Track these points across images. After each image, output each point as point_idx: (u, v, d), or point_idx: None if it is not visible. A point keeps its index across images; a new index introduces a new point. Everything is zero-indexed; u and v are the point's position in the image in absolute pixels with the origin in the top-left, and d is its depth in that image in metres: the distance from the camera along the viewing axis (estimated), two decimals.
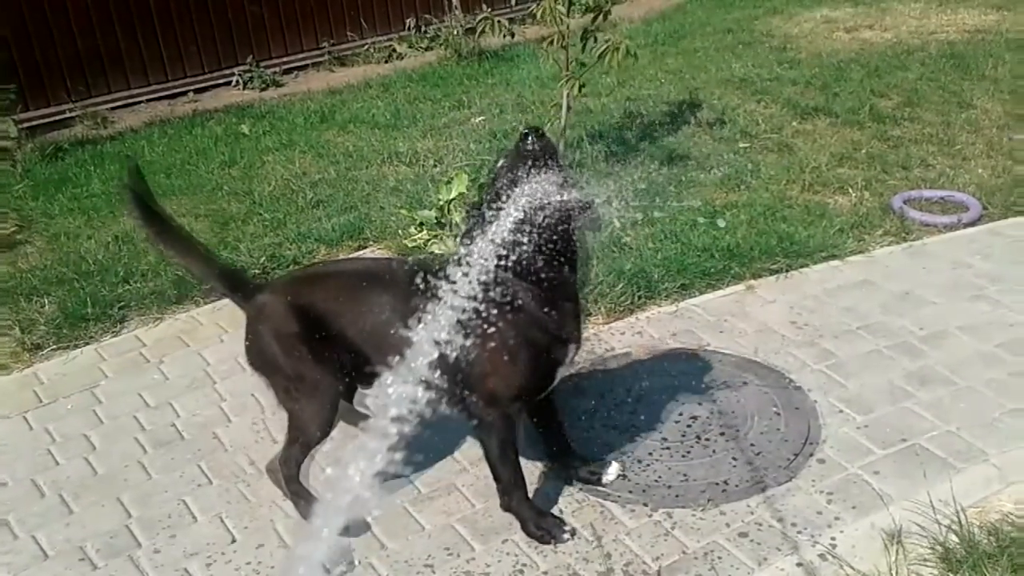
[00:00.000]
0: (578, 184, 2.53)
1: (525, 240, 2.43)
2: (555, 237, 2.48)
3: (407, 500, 2.89)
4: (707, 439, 3.07)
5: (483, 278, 2.39)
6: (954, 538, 2.56)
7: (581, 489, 2.88)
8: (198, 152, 5.94)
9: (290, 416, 2.77)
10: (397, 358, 2.42)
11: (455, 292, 2.39)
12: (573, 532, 2.71)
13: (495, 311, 2.45)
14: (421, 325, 2.41)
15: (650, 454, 3.02)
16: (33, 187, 5.51)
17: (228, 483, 3.03)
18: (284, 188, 5.26)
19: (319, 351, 2.67)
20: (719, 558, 2.58)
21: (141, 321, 4.01)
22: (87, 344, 3.88)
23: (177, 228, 2.88)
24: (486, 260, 2.40)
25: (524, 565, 2.61)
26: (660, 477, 2.91)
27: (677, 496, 2.83)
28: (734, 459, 2.97)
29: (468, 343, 2.44)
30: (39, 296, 4.16)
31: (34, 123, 6.47)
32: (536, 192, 2.43)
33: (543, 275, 2.52)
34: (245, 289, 2.80)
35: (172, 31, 7.24)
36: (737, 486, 2.85)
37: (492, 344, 2.50)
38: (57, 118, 6.69)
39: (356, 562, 2.66)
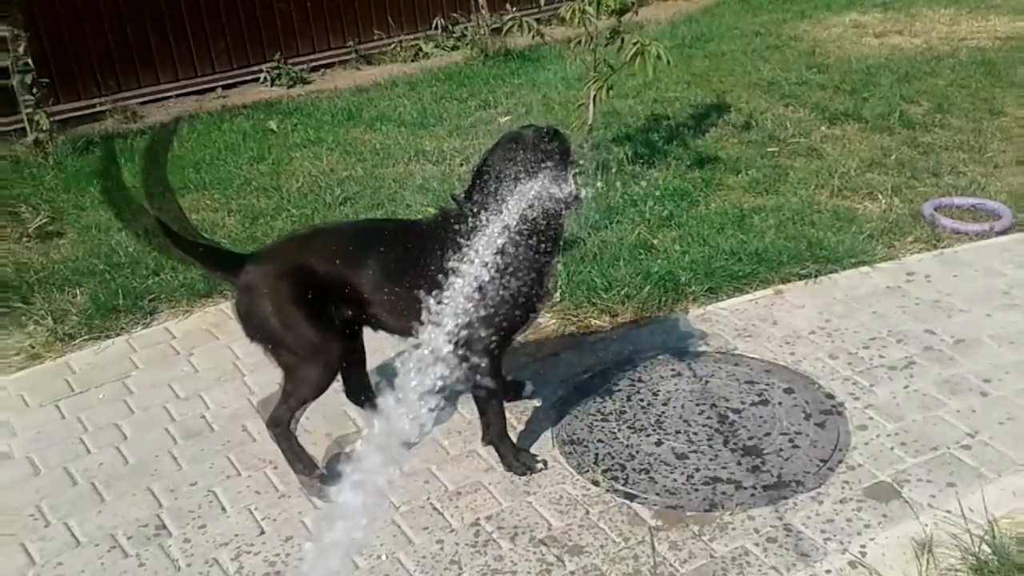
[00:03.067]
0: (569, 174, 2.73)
1: (515, 221, 2.66)
2: (543, 221, 2.71)
3: (434, 496, 2.90)
4: (735, 443, 3.06)
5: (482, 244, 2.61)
6: (986, 548, 2.54)
7: (608, 491, 2.88)
8: (227, 147, 5.98)
9: (287, 375, 2.88)
10: (393, 305, 2.80)
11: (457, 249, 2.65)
12: (545, 463, 3.00)
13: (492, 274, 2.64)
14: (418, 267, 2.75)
15: (677, 457, 3.02)
16: (64, 179, 5.57)
17: (257, 475, 3.05)
18: (312, 184, 5.29)
19: (316, 310, 2.80)
20: (747, 563, 2.57)
21: (171, 313, 4.04)
22: (118, 335, 3.92)
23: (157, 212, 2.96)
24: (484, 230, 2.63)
25: (551, 564, 2.61)
26: (687, 480, 2.91)
27: (704, 499, 2.82)
28: (762, 464, 2.96)
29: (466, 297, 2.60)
30: (71, 287, 4.21)
31: (65, 116, 6.55)
32: (537, 184, 2.66)
33: (529, 247, 2.73)
34: (231, 263, 2.91)
35: (201, 27, 7.31)
36: (765, 491, 2.84)
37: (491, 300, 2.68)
38: (87, 112, 6.77)
39: (383, 556, 2.68)
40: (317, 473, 2.97)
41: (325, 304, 2.82)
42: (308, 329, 2.78)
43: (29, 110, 5.90)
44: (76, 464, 3.16)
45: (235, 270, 2.86)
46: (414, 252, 2.83)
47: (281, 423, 2.92)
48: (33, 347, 3.82)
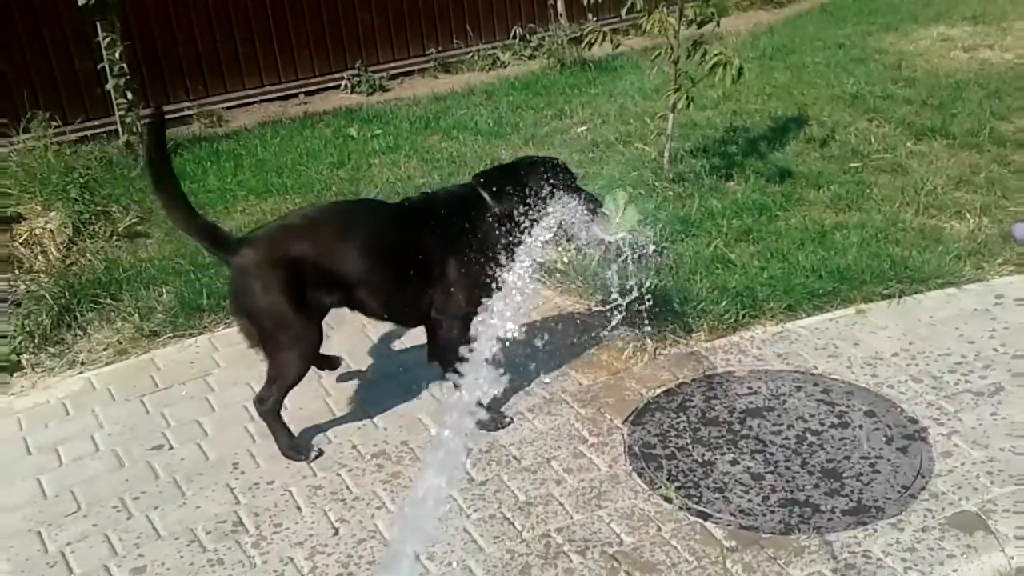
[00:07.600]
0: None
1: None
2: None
3: (505, 506, 2.91)
4: (813, 465, 3.00)
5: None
6: None
7: (681, 508, 2.85)
8: (308, 153, 6.10)
9: (271, 359, 3.10)
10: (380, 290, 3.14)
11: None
12: None
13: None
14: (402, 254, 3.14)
15: (753, 477, 2.96)
16: None
17: (331, 476, 3.10)
18: (390, 190, 5.35)
19: (302, 301, 3.01)
20: None
21: None
22: (201, 334, 4.03)
23: (176, 182, 3.09)
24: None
25: None
26: (763, 501, 2.85)
27: (780, 521, 2.77)
28: (841, 487, 2.89)
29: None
30: (157, 285, 4.34)
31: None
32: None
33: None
34: (227, 244, 3.07)
35: (286, 35, 7.47)
36: (844, 515, 2.77)
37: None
38: (176, 115, 6.97)
39: (454, 563, 2.69)
40: (299, 443, 3.21)
41: (311, 294, 3.03)
42: (293, 319, 3.00)
43: (122, 112, 6.11)
44: (159, 458, 3.26)
45: (230, 249, 3.03)
46: (404, 237, 3.16)
47: (266, 403, 3.14)
48: (120, 343, 3.96)
